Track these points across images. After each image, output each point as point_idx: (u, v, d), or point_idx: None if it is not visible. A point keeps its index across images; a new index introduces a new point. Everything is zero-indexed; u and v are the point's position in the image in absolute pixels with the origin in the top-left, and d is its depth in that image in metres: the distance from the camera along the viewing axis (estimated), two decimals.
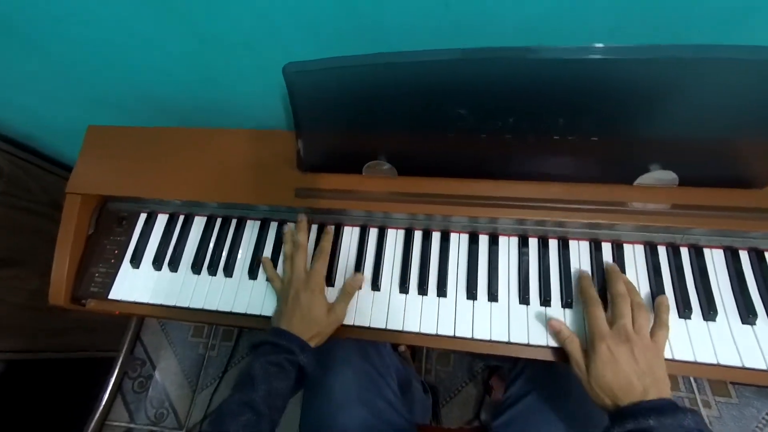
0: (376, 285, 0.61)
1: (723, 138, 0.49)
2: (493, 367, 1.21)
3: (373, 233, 0.65)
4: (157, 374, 1.38)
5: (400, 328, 0.59)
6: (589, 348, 0.50)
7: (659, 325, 0.50)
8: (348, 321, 0.60)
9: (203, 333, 1.41)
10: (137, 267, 0.68)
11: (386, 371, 0.70)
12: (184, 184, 0.68)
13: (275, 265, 0.65)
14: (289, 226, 0.66)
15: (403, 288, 0.61)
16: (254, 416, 0.49)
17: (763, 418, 1.09)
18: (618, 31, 0.50)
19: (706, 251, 0.57)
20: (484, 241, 0.62)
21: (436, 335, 0.58)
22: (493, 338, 0.56)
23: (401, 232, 0.65)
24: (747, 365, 0.50)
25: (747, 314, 0.52)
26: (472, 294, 0.59)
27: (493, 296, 0.58)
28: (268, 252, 0.66)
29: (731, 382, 1.14)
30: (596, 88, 0.46)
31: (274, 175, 0.65)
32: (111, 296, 0.66)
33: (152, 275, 0.68)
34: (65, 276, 0.66)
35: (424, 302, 0.60)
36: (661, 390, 0.45)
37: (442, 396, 1.23)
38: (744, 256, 0.56)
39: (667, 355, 0.51)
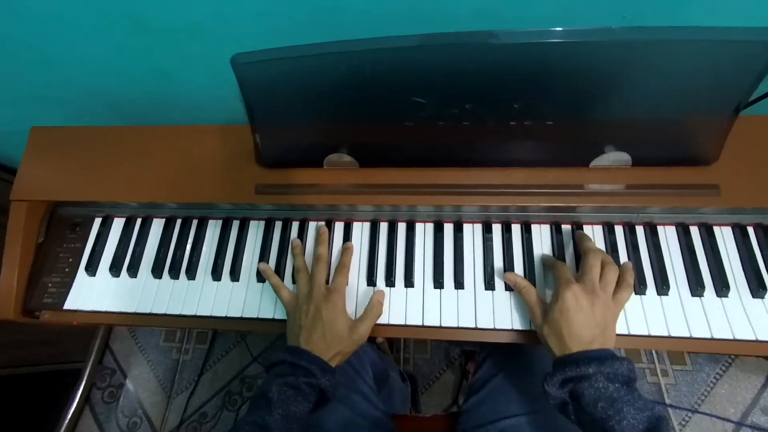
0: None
1: (672, 118, 0.50)
2: (469, 353, 1.23)
3: (338, 227, 0.65)
4: (128, 382, 1.34)
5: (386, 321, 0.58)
6: (553, 295, 0.51)
7: (624, 286, 0.52)
8: None
9: (176, 337, 1.38)
10: (93, 274, 0.65)
11: (361, 366, 0.70)
12: (140, 185, 0.65)
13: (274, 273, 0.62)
14: (295, 239, 0.63)
15: (371, 281, 0.60)
16: None
17: (712, 381, 1.15)
18: (569, 16, 0.51)
19: (660, 228, 0.59)
20: (449, 229, 0.62)
21: (405, 325, 0.58)
22: (461, 325, 0.57)
23: (367, 225, 0.64)
24: (695, 335, 0.52)
25: (696, 287, 0.54)
26: (438, 283, 0.59)
27: (459, 284, 0.59)
28: (230, 251, 0.65)
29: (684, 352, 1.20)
30: (549, 73, 0.46)
31: (233, 172, 0.63)
32: (67, 306, 0.63)
33: (110, 282, 0.65)
34: (14, 288, 0.62)
35: (392, 294, 0.60)
36: (606, 342, 0.48)
37: (421, 384, 1.24)
38: (695, 232, 0.58)
39: (623, 330, 0.53)
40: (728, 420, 1.11)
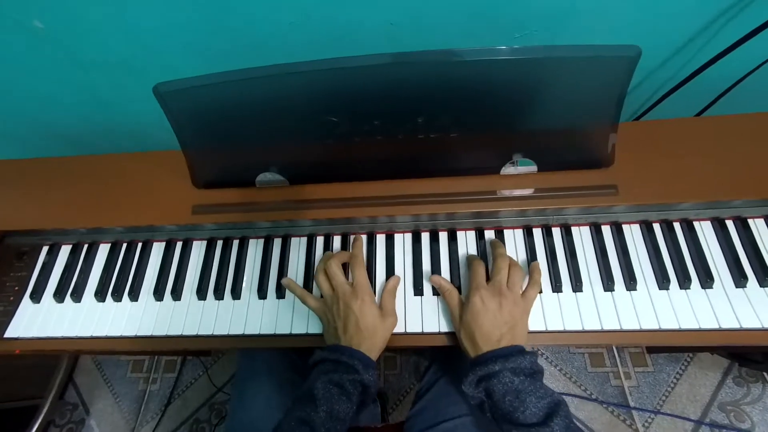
0: (280, 293, 0.63)
1: (564, 127, 0.55)
2: None
3: (276, 243, 0.68)
4: (90, 418, 1.31)
5: (305, 331, 0.60)
6: (465, 298, 0.54)
7: (532, 284, 0.55)
8: (254, 330, 0.61)
9: (143, 367, 1.37)
10: (38, 301, 0.67)
11: None
12: (85, 212, 0.68)
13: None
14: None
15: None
16: None
17: (672, 381, 1.18)
18: (466, 38, 0.56)
19: (575, 229, 0.63)
20: (381, 240, 0.66)
21: None
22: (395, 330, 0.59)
23: (304, 240, 0.67)
24: (606, 328, 0.55)
25: (608, 282, 0.58)
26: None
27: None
28: (173, 271, 0.67)
29: (611, 347, 1.23)
30: (444, 89, 0.51)
31: (172, 194, 0.66)
32: (8, 335, 0.64)
33: (54, 308, 0.66)
34: None
35: None
36: (515, 339, 0.51)
37: (393, 399, 1.25)
38: (606, 230, 0.62)
39: (540, 326, 0.56)
40: (688, 419, 1.13)
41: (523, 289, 0.56)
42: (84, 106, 0.74)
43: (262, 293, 0.63)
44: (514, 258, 0.61)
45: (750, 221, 0.60)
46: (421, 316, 0.60)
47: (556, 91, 0.51)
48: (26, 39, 0.58)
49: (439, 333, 0.59)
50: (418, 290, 0.61)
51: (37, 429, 1.19)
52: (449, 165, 0.59)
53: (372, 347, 0.54)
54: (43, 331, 0.64)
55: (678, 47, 0.60)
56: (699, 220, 0.61)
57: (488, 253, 0.63)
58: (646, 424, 1.15)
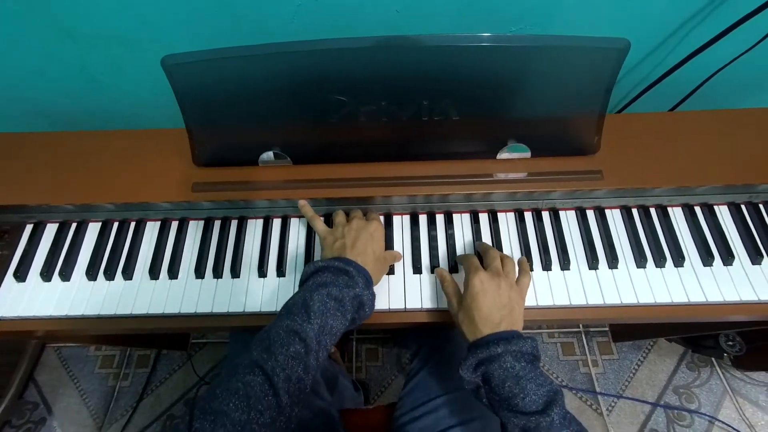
0: (281, 271, 0.64)
1: (556, 115, 0.60)
2: None
3: (276, 224, 0.68)
4: (52, 417, 1.24)
5: None
6: (464, 284, 0.55)
7: (523, 272, 0.58)
8: (254, 308, 0.61)
9: (113, 362, 1.31)
10: (23, 280, 0.64)
11: None
12: (74, 188, 0.66)
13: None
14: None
15: None
16: (303, 348, 0.45)
17: (634, 367, 1.27)
18: (465, 29, 0.59)
19: (562, 213, 0.67)
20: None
21: None
22: (392, 307, 0.61)
23: (303, 221, 0.68)
24: (590, 303, 0.60)
25: (592, 261, 0.63)
26: None
27: (390, 269, 0.64)
28: (168, 251, 0.66)
29: (581, 336, 1.32)
30: (451, 73, 0.54)
31: (170, 172, 0.66)
32: None
33: (41, 287, 0.64)
34: None
35: None
36: (513, 324, 0.51)
37: (374, 390, 1.26)
38: (590, 214, 0.67)
39: (532, 302, 0.60)
40: (646, 402, 1.21)
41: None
42: (72, 82, 0.72)
43: (262, 272, 0.64)
44: (507, 239, 0.65)
45: (715, 207, 0.67)
46: (420, 292, 0.62)
47: (549, 80, 0.55)
48: (12, 7, 0.56)
49: (437, 309, 0.61)
50: (417, 269, 0.64)
51: None
52: (449, 149, 0.62)
53: (373, 273, 0.54)
54: (29, 311, 0.61)
55: (653, 47, 0.66)
56: (672, 206, 0.67)
57: (480, 234, 0.66)
58: (610, 408, 1.23)
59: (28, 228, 0.68)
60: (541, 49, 0.51)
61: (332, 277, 0.50)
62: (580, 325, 1.35)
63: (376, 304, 0.54)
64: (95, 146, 0.69)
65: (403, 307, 0.61)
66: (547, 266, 0.63)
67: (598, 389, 1.24)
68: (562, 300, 0.61)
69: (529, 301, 0.61)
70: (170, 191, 0.64)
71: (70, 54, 0.66)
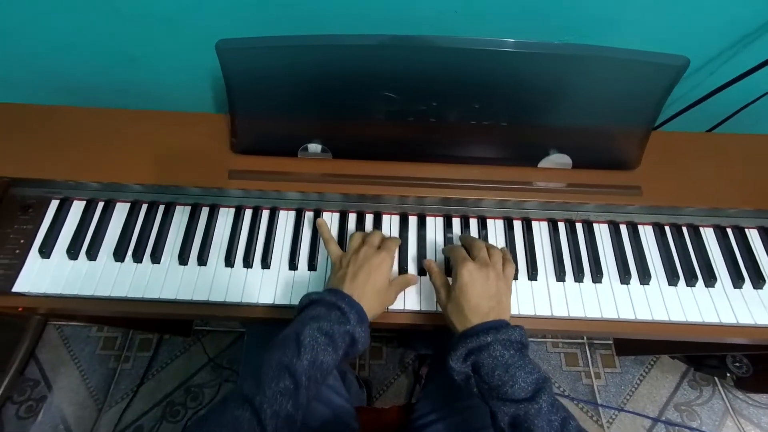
0: (312, 265, 0.63)
1: (602, 128, 0.60)
2: (422, 357, 1.27)
3: (308, 216, 0.67)
4: (52, 395, 1.22)
5: None
6: (452, 276, 0.55)
7: (507, 263, 0.57)
8: (284, 301, 0.61)
9: (115, 345, 1.30)
10: (47, 257, 0.63)
11: None
12: (103, 166, 0.65)
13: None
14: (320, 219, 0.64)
15: None
16: (293, 384, 0.45)
17: (636, 382, 1.28)
18: (516, 30, 0.59)
19: (596, 225, 0.67)
20: (413, 222, 0.67)
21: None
22: (423, 309, 0.61)
23: (336, 215, 0.68)
24: (622, 317, 0.60)
25: (624, 276, 0.63)
26: (403, 270, 0.63)
27: (422, 271, 0.63)
28: (198, 237, 0.65)
29: (585, 348, 1.32)
30: (504, 79, 0.53)
31: (205, 157, 0.65)
32: (16, 289, 0.60)
33: (66, 265, 0.63)
34: None
35: None
36: (501, 314, 0.51)
37: (376, 389, 1.26)
38: (623, 229, 0.67)
39: (563, 312, 0.60)
40: (647, 416, 1.22)
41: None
42: (106, 58, 0.70)
43: (293, 264, 0.63)
44: (540, 246, 0.65)
45: (747, 231, 0.67)
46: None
47: (603, 91, 0.55)
48: None
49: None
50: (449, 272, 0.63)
51: None
52: (491, 153, 0.62)
53: (370, 307, 0.53)
54: (54, 288, 0.60)
55: (698, 66, 0.66)
56: (703, 226, 0.68)
57: (515, 241, 0.66)
58: (610, 420, 1.23)
59: (54, 203, 0.67)
60: (601, 60, 0.51)
61: (325, 312, 0.50)
62: (584, 337, 1.36)
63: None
64: (125, 124, 0.68)
65: (436, 309, 0.61)
66: (579, 278, 0.63)
67: (599, 401, 1.25)
68: (593, 312, 0.61)
69: (562, 311, 0.61)
70: (205, 176, 0.63)
71: (110, 30, 0.64)
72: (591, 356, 1.33)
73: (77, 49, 0.68)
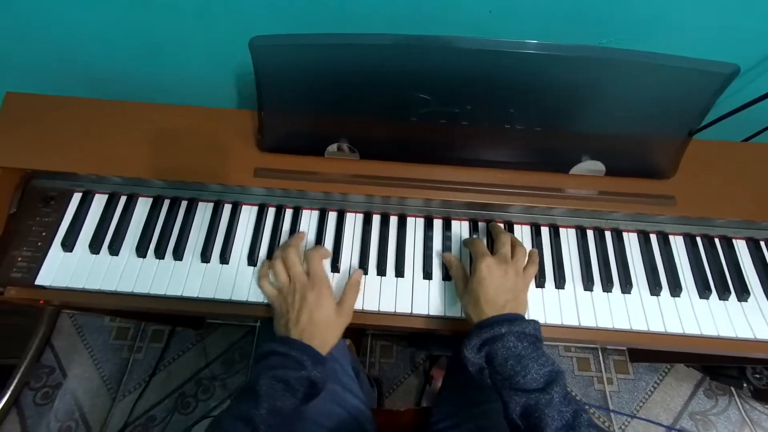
0: (336, 267, 0.62)
1: (638, 135, 0.58)
2: (434, 357, 1.27)
3: (332, 217, 0.66)
4: (67, 382, 1.24)
5: (361, 308, 0.60)
6: (471, 269, 0.56)
7: (531, 263, 0.58)
8: None
9: (128, 335, 1.30)
10: (70, 250, 0.62)
11: (342, 356, 0.71)
12: (126, 161, 0.64)
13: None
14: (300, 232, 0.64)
15: (364, 269, 0.62)
16: None
17: (650, 389, 1.26)
18: (559, 36, 0.57)
19: (625, 234, 0.66)
20: (438, 225, 0.66)
21: (394, 314, 0.60)
22: (447, 314, 0.60)
23: (360, 216, 0.66)
24: (651, 329, 0.59)
25: (654, 287, 0.61)
26: (427, 274, 0.62)
27: (447, 276, 0.62)
28: (221, 234, 0.64)
29: (597, 354, 1.31)
30: (541, 83, 0.52)
31: (229, 154, 0.64)
32: (38, 282, 0.60)
33: (88, 259, 0.62)
34: None
35: (383, 283, 0.62)
36: (517, 308, 0.52)
37: (386, 388, 1.25)
38: (653, 238, 0.66)
39: (591, 323, 0.59)
40: (661, 424, 1.21)
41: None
42: (133, 50, 0.69)
43: None
44: (568, 253, 0.64)
45: None
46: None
47: (645, 98, 0.53)
48: None
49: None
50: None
51: (13, 389, 1.11)
52: (523, 158, 0.61)
53: (324, 343, 0.53)
54: (77, 282, 0.60)
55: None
56: (736, 238, 0.66)
57: (542, 246, 0.65)
58: (623, 427, 1.22)
59: (76, 196, 0.66)
60: (644, 66, 0.49)
61: (279, 360, 0.50)
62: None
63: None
64: (149, 118, 0.67)
65: (460, 314, 0.60)
66: (607, 288, 0.62)
67: (611, 407, 1.24)
68: (622, 324, 0.59)
69: (589, 321, 0.59)
70: (229, 174, 0.62)
71: (138, 22, 0.63)
72: (604, 361, 1.32)
73: (106, 41, 0.67)
